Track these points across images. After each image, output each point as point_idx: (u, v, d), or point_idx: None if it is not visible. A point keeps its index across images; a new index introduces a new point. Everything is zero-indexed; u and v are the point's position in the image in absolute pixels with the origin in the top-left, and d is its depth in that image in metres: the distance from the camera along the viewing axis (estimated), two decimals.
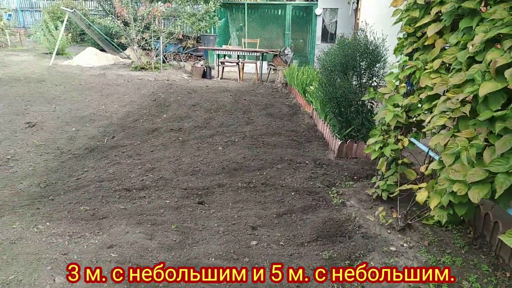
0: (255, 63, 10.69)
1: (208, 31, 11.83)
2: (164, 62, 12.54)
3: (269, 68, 10.67)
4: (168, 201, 3.29)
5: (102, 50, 13.63)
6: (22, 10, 21.09)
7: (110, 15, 11.52)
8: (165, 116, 6.23)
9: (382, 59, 4.45)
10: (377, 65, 4.47)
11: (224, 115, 6.44)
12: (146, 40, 11.29)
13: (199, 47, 11.66)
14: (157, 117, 6.14)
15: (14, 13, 20.24)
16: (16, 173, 3.80)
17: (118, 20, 10.83)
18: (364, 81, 4.55)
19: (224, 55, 11.01)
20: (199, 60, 12.65)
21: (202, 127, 5.68)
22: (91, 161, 4.18)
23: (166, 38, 11.48)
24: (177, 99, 7.43)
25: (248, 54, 10.30)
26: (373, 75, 4.47)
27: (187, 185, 3.64)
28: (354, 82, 4.60)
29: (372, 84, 4.51)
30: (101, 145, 4.72)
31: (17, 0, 20.92)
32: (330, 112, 4.90)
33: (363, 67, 4.51)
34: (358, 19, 8.45)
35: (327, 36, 11.86)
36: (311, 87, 6.86)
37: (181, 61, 13.15)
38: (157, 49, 11.35)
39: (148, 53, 12.26)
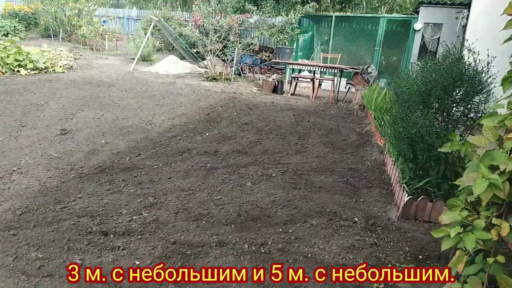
0: (332, 80, 9.53)
1: (288, 43, 11.03)
2: (239, 74, 12.08)
3: (347, 87, 9.41)
4: (139, 262, 2.45)
5: (183, 58, 13.76)
6: (127, 19, 22.92)
7: (190, 24, 11.44)
8: (208, 134, 5.51)
9: (485, 89, 3.09)
10: (475, 98, 3.13)
11: (274, 138, 5.48)
12: (222, 50, 10.91)
13: (272, 60, 10.90)
14: (199, 135, 5.44)
15: (119, 21, 22.08)
16: (7, 190, 3.35)
17: (197, 29, 10.64)
18: (453, 118, 3.22)
19: (299, 70, 10.05)
20: (280, 73, 11.91)
21: (242, 152, 4.81)
22: (92, 185, 3.57)
23: (242, 49, 10.97)
24: (231, 115, 6.69)
25: (327, 70, 9.19)
26: (466, 111, 3.13)
27: (179, 237, 2.77)
28: (437, 118, 3.30)
29: (465, 124, 3.16)
30: (117, 164, 4.13)
31: (126, 10, 22.95)
32: (400, 156, 3.63)
33: (453, 99, 3.19)
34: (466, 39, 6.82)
35: (425, 54, 10.18)
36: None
37: (257, 73, 12.55)
38: (232, 60, 10.89)
39: (225, 64, 11.91)
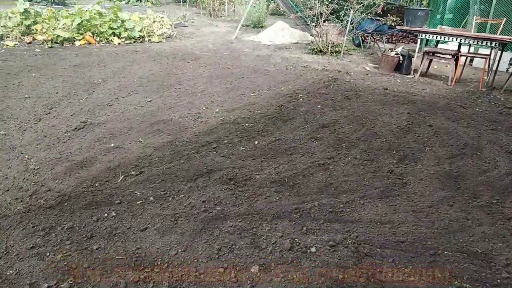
0: (487, 57, 6.49)
1: (424, 3, 8.11)
2: (359, 44, 9.68)
3: (510, 69, 6.26)
4: None
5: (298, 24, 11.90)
6: None
7: None
8: (258, 142, 3.85)
9: None
10: None
11: (355, 159, 3.50)
12: (335, 14, 8.70)
13: (397, 27, 8.17)
14: (245, 142, 3.84)
15: None
16: None
17: None
18: None
19: (437, 41, 7.21)
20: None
21: (287, 184, 3.05)
22: (19, 232, 2.40)
23: (361, 12, 8.53)
24: (313, 109, 4.83)
25: (481, 42, 6.20)
26: None
27: None
28: None
29: None
30: (92, 191, 2.89)
31: None
32: None
33: None
34: None
35: None
36: None
37: (383, 43, 9.87)
38: (350, 26, 8.58)
39: (341, 31, 9.64)
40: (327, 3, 8.31)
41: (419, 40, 7.11)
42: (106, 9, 9.52)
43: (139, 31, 8.93)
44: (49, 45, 7.81)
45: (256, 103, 5.08)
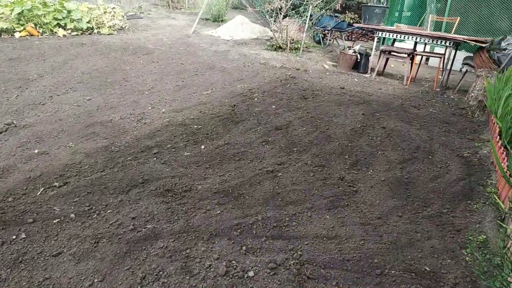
0: (441, 56, 6.54)
1: (382, 0, 8.09)
2: (319, 41, 9.57)
3: (464, 69, 6.34)
4: None
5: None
6: None
7: None
8: (204, 147, 3.56)
9: None
10: None
11: (306, 165, 3.29)
12: (294, 9, 8.51)
13: (355, 24, 8.11)
14: (191, 147, 3.54)
15: None
16: None
17: None
18: None
19: (394, 40, 7.20)
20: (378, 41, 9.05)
21: (232, 195, 2.79)
22: None
23: (321, 8, 8.40)
24: (267, 110, 4.59)
25: (436, 41, 6.20)
26: None
27: None
28: None
29: None
30: (6, 206, 2.50)
31: None
32: None
33: None
34: None
35: None
36: None
37: (342, 40, 9.82)
38: (309, 22, 8.40)
39: (301, 27, 9.47)
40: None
41: (375, 38, 7.06)
42: None
43: (87, 22, 8.31)
44: None
45: (208, 103, 4.78)
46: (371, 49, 7.51)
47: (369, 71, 7.21)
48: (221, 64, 6.79)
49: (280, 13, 8.38)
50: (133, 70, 5.90)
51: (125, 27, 9.35)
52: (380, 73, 7.20)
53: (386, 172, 3.29)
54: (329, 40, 9.75)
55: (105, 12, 9.05)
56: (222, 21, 12.04)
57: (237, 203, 2.71)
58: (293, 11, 8.70)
